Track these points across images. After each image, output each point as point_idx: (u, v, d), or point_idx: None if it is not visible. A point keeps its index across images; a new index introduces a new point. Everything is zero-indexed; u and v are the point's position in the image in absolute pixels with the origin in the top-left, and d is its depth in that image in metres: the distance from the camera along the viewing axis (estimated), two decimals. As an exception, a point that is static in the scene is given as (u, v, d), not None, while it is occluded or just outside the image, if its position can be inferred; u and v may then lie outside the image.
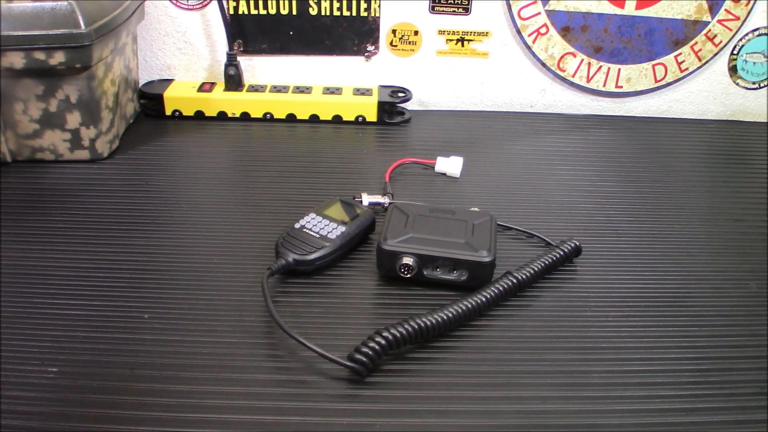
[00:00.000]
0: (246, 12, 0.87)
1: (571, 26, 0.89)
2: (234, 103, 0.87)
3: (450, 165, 0.76)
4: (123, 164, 0.75)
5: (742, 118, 0.97)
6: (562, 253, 0.59)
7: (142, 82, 0.90)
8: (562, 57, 0.91)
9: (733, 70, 0.93)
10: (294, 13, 0.87)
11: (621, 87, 0.94)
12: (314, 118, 0.88)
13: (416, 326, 0.48)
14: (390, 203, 0.66)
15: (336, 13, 0.88)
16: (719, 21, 0.89)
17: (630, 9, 0.88)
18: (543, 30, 0.89)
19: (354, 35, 0.90)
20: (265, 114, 0.88)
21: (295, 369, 0.48)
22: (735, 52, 0.92)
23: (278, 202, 0.69)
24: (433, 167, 0.77)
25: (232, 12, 0.87)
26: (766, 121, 0.96)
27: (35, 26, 0.65)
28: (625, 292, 0.58)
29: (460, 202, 0.70)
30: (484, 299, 0.52)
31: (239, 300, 0.54)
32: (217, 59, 0.90)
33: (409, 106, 0.92)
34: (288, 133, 0.85)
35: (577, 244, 0.60)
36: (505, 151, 0.83)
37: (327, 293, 0.56)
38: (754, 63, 0.93)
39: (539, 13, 0.88)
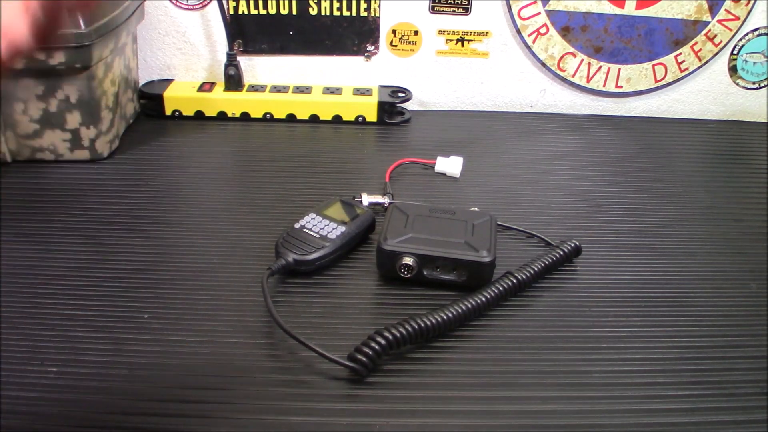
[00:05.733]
0: (246, 12, 0.87)
1: (571, 26, 0.89)
2: (234, 103, 0.87)
3: (450, 165, 0.76)
4: (123, 164, 0.75)
5: (742, 118, 0.97)
6: (562, 253, 0.59)
7: (142, 82, 0.90)
8: (562, 57, 0.91)
9: (733, 70, 0.93)
10: (294, 13, 0.87)
11: (621, 87, 0.94)
12: (314, 118, 0.88)
13: (416, 326, 0.48)
14: (390, 203, 0.66)
15: (336, 13, 0.88)
16: (719, 21, 0.89)
17: (630, 9, 0.88)
18: (543, 30, 0.89)
19: (354, 35, 0.90)
20: (265, 114, 0.88)
21: (295, 369, 0.48)
22: (735, 52, 0.92)
23: (278, 202, 0.69)
24: (433, 167, 0.77)
25: (232, 12, 0.87)
26: (766, 121, 0.96)
27: (35, 26, 0.65)
28: (625, 292, 0.58)
29: (460, 202, 0.70)
30: (484, 299, 0.52)
31: (239, 300, 0.54)
32: (217, 59, 0.90)
33: (409, 106, 0.92)
34: (288, 133, 0.85)
35: (577, 244, 0.60)
36: (505, 151, 0.83)
37: (327, 293, 0.56)
38: (754, 63, 0.93)
39: (539, 13, 0.88)
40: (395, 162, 0.76)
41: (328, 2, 0.87)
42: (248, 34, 0.89)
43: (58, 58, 0.67)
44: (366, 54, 0.91)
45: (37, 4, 0.33)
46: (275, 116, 0.88)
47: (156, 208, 0.67)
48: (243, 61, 0.89)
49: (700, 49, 0.91)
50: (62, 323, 0.51)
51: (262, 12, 0.87)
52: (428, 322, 0.49)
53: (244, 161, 0.78)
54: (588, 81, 0.93)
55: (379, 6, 0.88)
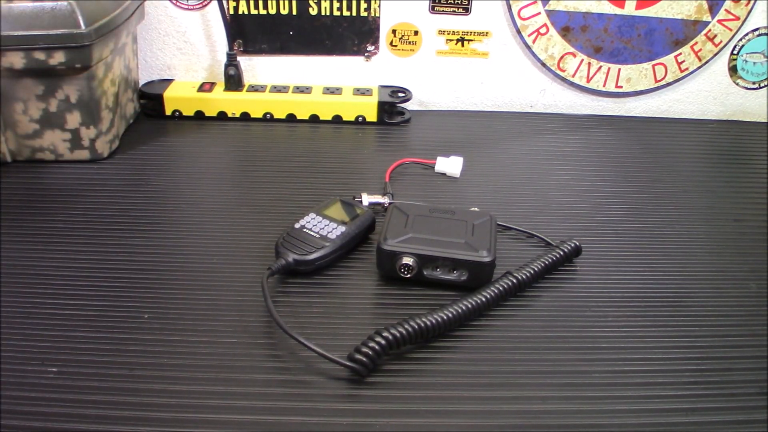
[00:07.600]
0: (246, 12, 0.87)
1: (571, 26, 0.89)
2: (234, 103, 0.87)
3: (450, 165, 0.76)
4: (123, 164, 0.75)
5: (742, 118, 0.97)
6: (562, 253, 0.59)
7: (142, 82, 0.90)
8: (562, 57, 0.91)
9: (733, 70, 0.93)
10: (294, 13, 0.87)
11: (621, 87, 0.94)
12: (314, 118, 0.88)
13: (416, 326, 0.48)
14: (390, 203, 0.66)
15: (336, 13, 0.88)
16: (719, 21, 0.89)
17: (630, 9, 0.88)
18: (543, 30, 0.89)
19: (354, 35, 0.90)
20: (265, 114, 0.88)
21: (295, 369, 0.48)
22: (735, 52, 0.92)
23: (278, 202, 0.69)
24: (433, 167, 0.77)
25: (232, 12, 0.87)
26: (766, 121, 0.96)
27: (35, 26, 0.65)
28: (625, 292, 0.58)
29: (460, 202, 0.70)
30: (484, 299, 0.52)
31: (239, 300, 0.54)
32: (217, 59, 0.90)
33: (409, 106, 0.92)
34: (288, 133, 0.85)
35: (577, 244, 0.60)
36: (505, 151, 0.83)
37: (327, 293, 0.56)
38: (754, 63, 0.93)
39: (539, 13, 0.88)
40: (395, 162, 0.76)
41: (328, 2, 0.87)
42: (248, 34, 0.89)
43: (58, 58, 0.67)
44: (366, 54, 0.91)
45: None
46: (275, 116, 0.88)
47: (156, 208, 0.67)
48: (243, 61, 0.89)
49: (700, 49, 0.91)
50: (62, 323, 0.51)
51: (262, 12, 0.87)
52: (428, 322, 0.49)
53: (244, 161, 0.78)
54: (588, 81, 0.93)
55: (379, 6, 0.88)
